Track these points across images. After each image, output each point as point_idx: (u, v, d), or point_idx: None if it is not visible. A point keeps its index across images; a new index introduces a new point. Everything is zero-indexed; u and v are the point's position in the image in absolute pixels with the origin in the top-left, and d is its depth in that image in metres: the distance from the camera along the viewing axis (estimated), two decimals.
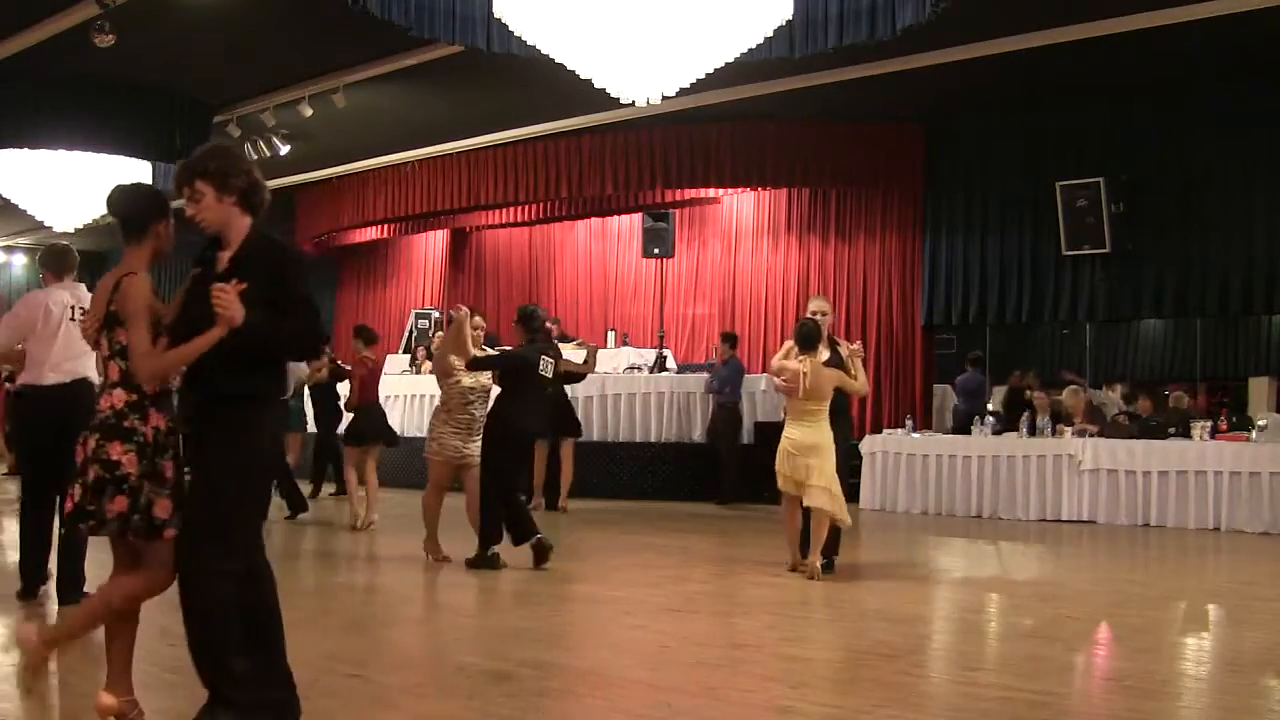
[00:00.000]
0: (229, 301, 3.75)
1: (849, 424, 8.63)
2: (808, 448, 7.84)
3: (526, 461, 8.41)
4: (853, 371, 8.13)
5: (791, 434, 7.93)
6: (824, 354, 8.00)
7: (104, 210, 4.15)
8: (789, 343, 8.22)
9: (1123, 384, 15.52)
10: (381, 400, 16.24)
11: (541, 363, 8.26)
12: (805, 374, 7.83)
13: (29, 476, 6.58)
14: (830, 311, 8.52)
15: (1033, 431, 12.37)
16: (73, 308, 6.46)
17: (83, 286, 6.80)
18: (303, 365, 11.02)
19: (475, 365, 8.16)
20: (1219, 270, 12.84)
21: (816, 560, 7.80)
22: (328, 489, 13.63)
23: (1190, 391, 15.33)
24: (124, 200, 4.10)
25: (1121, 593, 7.94)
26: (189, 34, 11.43)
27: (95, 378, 6.52)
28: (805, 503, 7.86)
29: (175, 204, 4.05)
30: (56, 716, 4.44)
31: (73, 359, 6.37)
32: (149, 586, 3.99)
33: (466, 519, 8.44)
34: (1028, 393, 13.45)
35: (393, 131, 15.37)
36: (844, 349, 8.27)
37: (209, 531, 3.81)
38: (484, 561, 8.07)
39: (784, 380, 7.96)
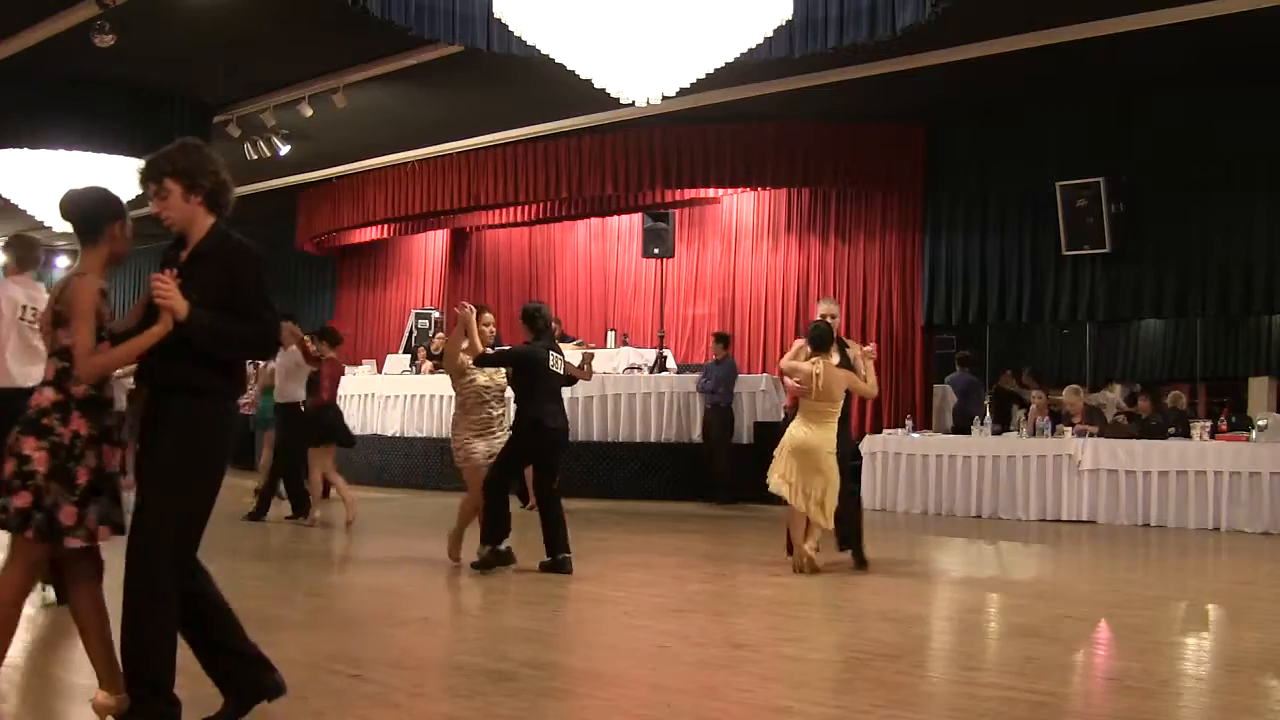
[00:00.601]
0: (168, 290, 3.68)
1: (848, 428, 8.66)
2: (809, 449, 7.88)
3: (544, 460, 8.11)
4: (862, 373, 8.19)
5: (796, 434, 7.96)
6: (834, 356, 8.07)
7: (60, 212, 4.07)
8: (799, 342, 8.29)
9: (1124, 384, 15.50)
10: (382, 399, 16.25)
11: (551, 358, 8.10)
12: (818, 375, 7.88)
13: None
14: (838, 313, 8.60)
15: (1033, 431, 12.37)
16: (25, 307, 6.24)
17: (41, 286, 6.61)
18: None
19: (483, 361, 8.00)
20: (1219, 270, 12.83)
21: (812, 548, 7.87)
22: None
23: (1190, 391, 15.32)
24: (77, 202, 4.07)
25: (1121, 593, 7.95)
26: (189, 34, 11.44)
27: None
28: (792, 502, 7.91)
29: (144, 211, 4.00)
30: (50, 715, 4.45)
31: (32, 363, 6.11)
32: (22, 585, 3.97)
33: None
34: (1030, 392, 13.45)
35: (393, 131, 15.37)
36: (853, 351, 8.34)
37: (157, 536, 3.74)
38: (492, 559, 7.84)
39: (797, 381, 8.00)
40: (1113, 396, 14.55)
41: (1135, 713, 4.66)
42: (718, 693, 4.82)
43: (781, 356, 16.63)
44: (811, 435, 7.89)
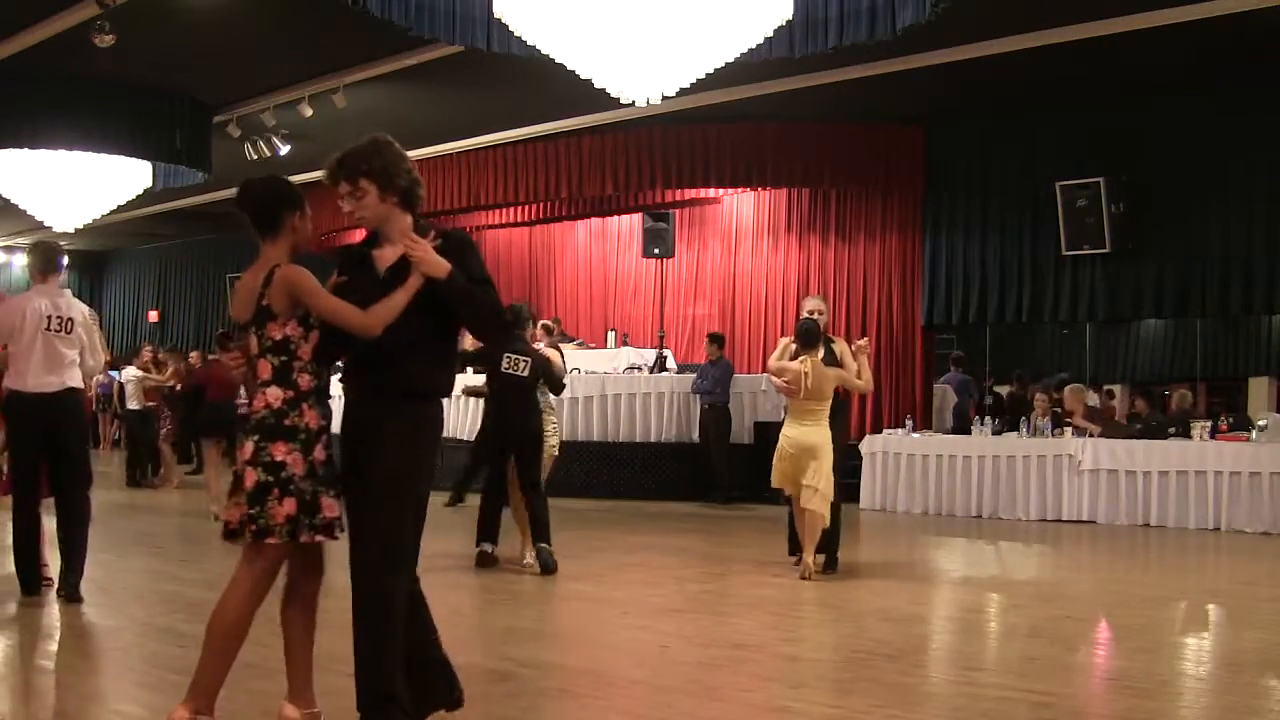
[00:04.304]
0: (424, 250, 3.68)
1: (846, 423, 8.64)
2: (806, 447, 7.86)
3: (506, 459, 8.25)
4: (854, 368, 8.16)
5: (790, 433, 7.96)
6: (819, 352, 8.03)
7: (236, 204, 3.93)
8: (784, 340, 8.28)
9: (1124, 385, 15.50)
10: None
11: (505, 360, 8.11)
12: (806, 374, 7.86)
13: (13, 481, 6.52)
14: (826, 310, 8.55)
15: (1031, 431, 12.38)
16: (50, 317, 6.30)
17: (67, 293, 6.61)
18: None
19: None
20: (1219, 270, 12.83)
21: (811, 559, 7.83)
22: None
23: (1190, 391, 15.32)
24: (253, 194, 3.92)
25: (1121, 593, 7.95)
26: (189, 34, 11.42)
27: (80, 385, 6.50)
28: (801, 503, 7.90)
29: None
30: (55, 716, 4.44)
31: (57, 369, 6.27)
32: (309, 587, 3.96)
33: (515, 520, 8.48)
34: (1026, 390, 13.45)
35: (393, 131, 15.13)
36: (839, 347, 8.30)
37: (392, 546, 3.76)
38: (479, 559, 8.21)
39: (785, 381, 7.99)
40: (1120, 395, 14.48)
41: (1135, 713, 4.66)
42: (718, 693, 4.82)
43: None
44: (806, 433, 7.88)
